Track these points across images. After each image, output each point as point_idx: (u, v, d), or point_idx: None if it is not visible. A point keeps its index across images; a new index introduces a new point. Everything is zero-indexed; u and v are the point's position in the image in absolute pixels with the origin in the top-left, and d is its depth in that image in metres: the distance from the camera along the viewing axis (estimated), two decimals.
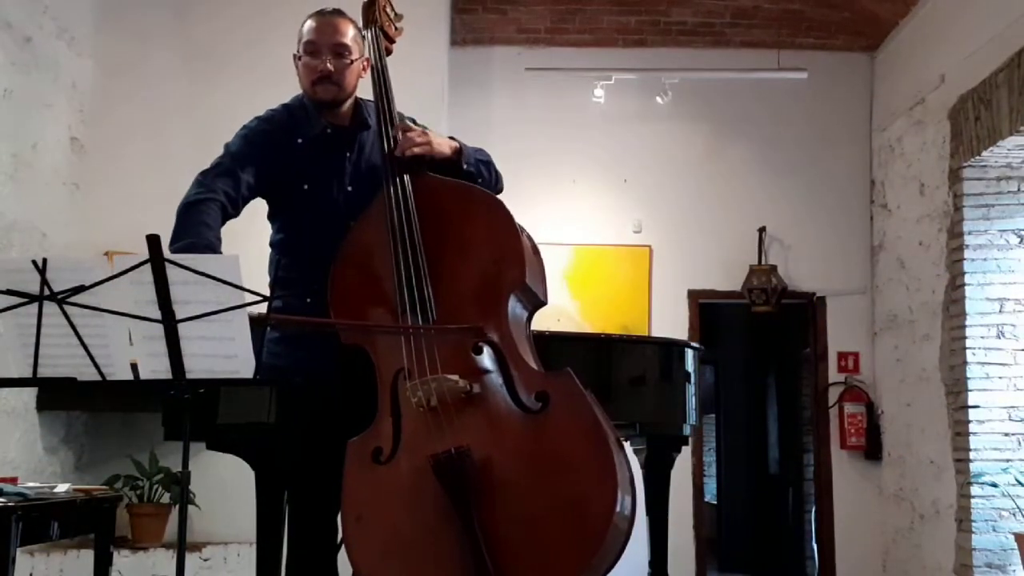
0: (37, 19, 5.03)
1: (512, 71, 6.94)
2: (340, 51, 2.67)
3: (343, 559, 2.58)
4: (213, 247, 2.46)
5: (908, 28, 6.45)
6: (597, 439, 2.26)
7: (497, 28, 6.90)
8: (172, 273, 2.17)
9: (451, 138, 2.78)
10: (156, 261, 2.16)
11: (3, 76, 4.71)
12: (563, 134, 6.93)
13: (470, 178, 2.73)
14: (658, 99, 6.86)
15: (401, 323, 2.46)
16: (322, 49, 2.66)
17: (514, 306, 2.52)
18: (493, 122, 6.83)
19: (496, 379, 2.38)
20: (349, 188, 2.71)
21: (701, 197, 6.96)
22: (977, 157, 5.40)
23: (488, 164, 2.81)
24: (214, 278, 2.16)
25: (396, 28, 2.90)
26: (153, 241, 2.16)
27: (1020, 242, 5.58)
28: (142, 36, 5.77)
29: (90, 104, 5.59)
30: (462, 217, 2.62)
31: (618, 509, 2.19)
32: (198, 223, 2.50)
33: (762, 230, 6.89)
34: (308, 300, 2.63)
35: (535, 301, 2.62)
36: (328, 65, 2.65)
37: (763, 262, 6.84)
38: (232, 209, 2.61)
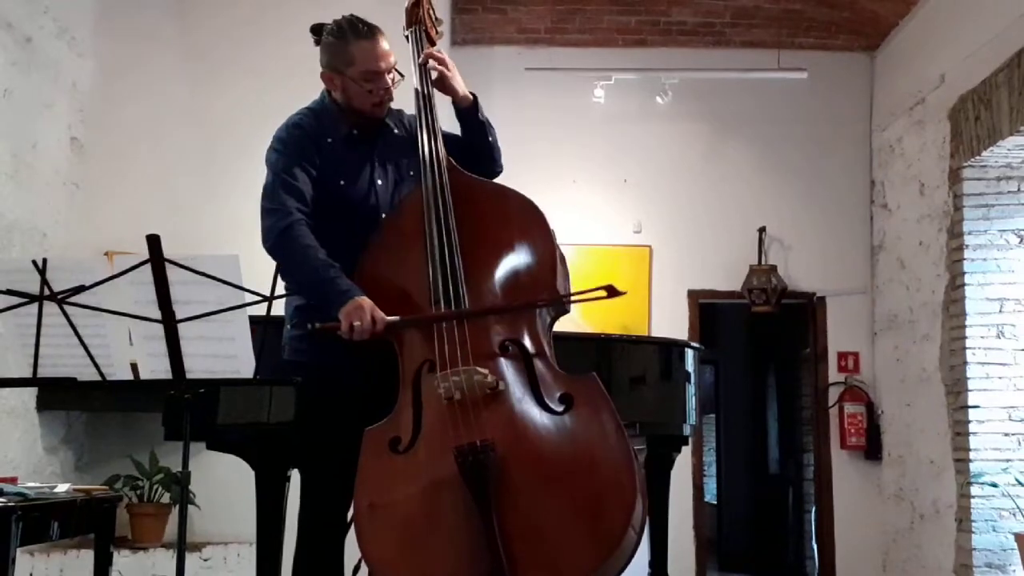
0: (37, 19, 5.03)
1: (512, 71, 6.93)
2: (393, 73, 2.77)
3: (348, 553, 2.58)
4: (330, 265, 2.54)
5: (908, 28, 6.45)
6: (619, 444, 2.28)
7: (497, 28, 6.90)
8: (172, 273, 2.17)
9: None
10: (156, 261, 2.16)
11: (3, 76, 4.71)
12: (563, 134, 6.92)
13: (482, 129, 2.89)
14: (658, 99, 6.86)
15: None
16: (384, 76, 2.74)
17: (541, 309, 2.56)
18: (493, 122, 6.77)
19: (522, 378, 2.41)
20: (379, 182, 2.79)
21: (701, 197, 6.95)
22: (977, 157, 5.40)
23: (494, 131, 2.95)
24: (214, 278, 2.16)
25: (437, 32, 2.99)
26: (153, 241, 2.17)
27: (1020, 242, 5.58)
28: (142, 36, 5.77)
29: (90, 104, 5.58)
30: (498, 216, 2.69)
31: (635, 514, 2.20)
32: (303, 247, 2.58)
33: (762, 230, 6.88)
34: None
35: (559, 308, 2.68)
36: (392, 90, 2.77)
37: (763, 262, 6.84)
38: (308, 220, 2.67)
